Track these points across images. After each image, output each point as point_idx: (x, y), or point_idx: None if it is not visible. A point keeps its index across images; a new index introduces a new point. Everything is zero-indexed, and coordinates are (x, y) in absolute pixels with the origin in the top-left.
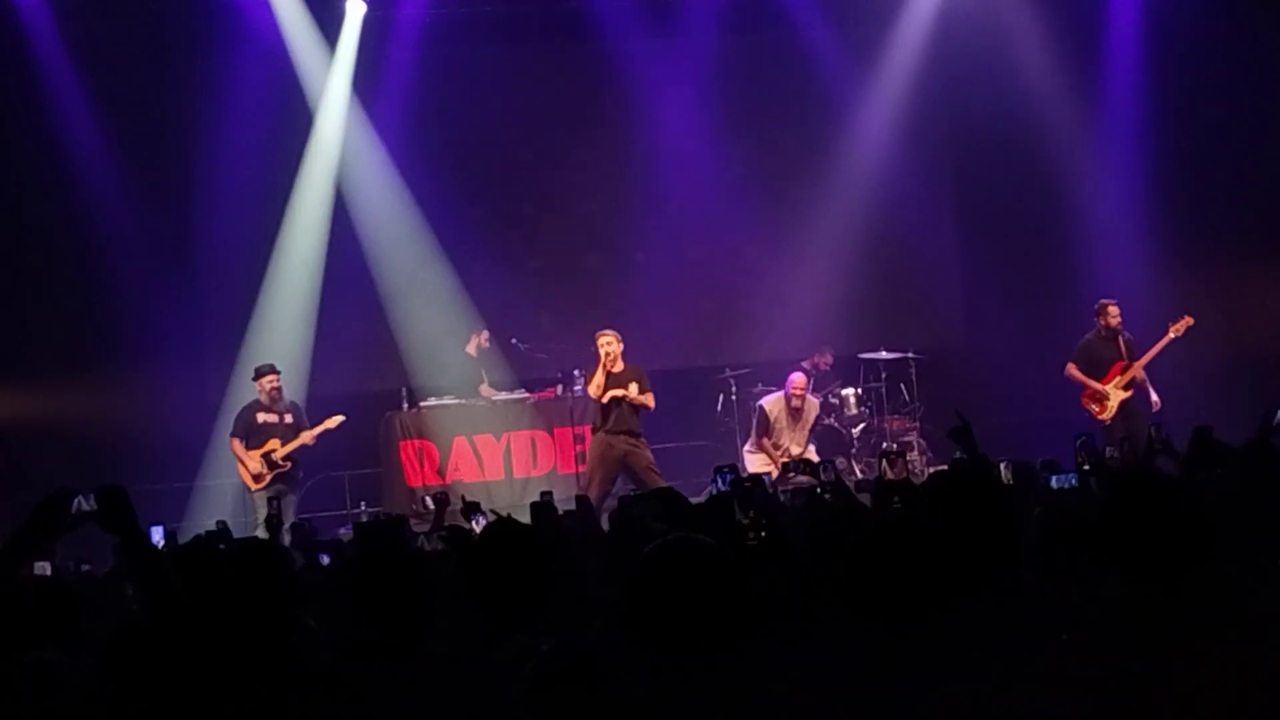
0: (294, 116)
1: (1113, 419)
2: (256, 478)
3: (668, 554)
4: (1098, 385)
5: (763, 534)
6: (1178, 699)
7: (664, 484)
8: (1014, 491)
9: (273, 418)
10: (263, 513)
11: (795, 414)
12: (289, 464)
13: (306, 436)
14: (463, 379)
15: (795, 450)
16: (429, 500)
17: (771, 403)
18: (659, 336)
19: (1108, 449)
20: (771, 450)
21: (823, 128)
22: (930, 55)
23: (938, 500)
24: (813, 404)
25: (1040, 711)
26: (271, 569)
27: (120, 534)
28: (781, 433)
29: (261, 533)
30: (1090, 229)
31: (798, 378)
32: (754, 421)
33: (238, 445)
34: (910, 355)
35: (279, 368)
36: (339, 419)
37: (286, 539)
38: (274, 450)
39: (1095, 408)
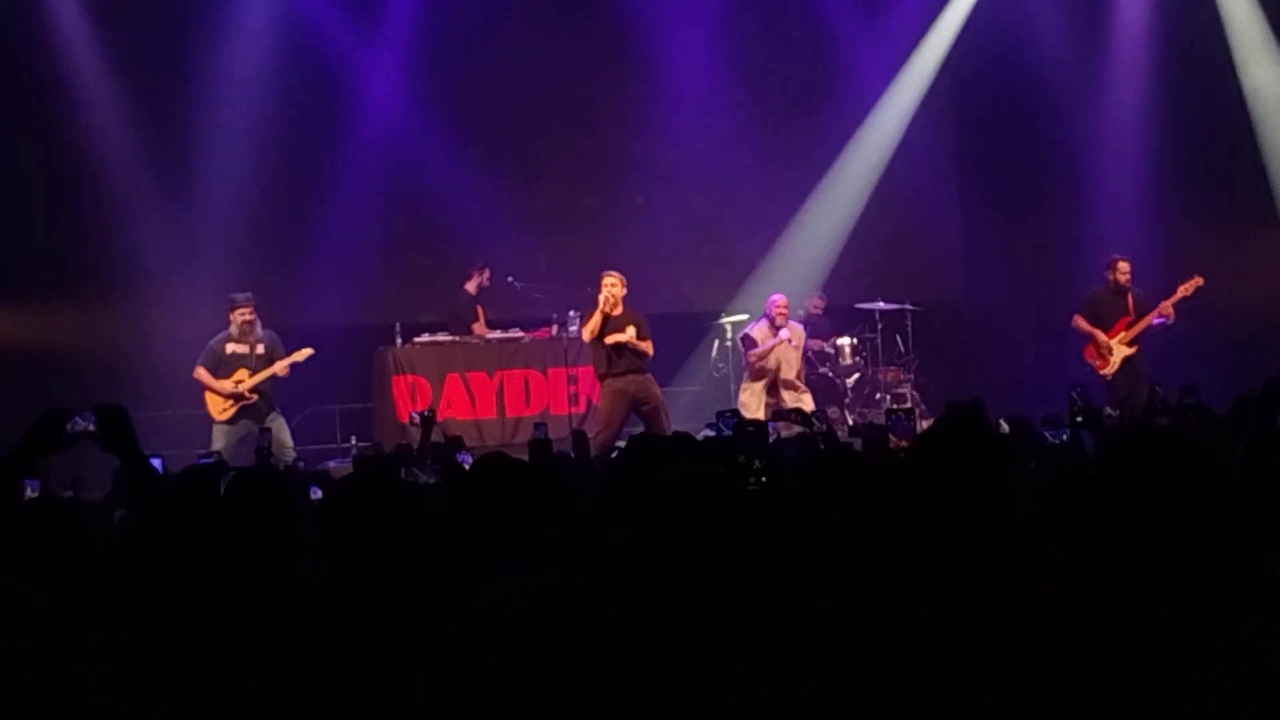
0: (295, 45)
1: (1114, 375)
2: (223, 408)
3: (685, 484)
4: (1105, 338)
5: (763, 479)
6: (1168, 654)
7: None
8: (1010, 446)
9: (243, 348)
10: (219, 444)
11: (777, 332)
12: (255, 396)
13: (278, 368)
14: (457, 315)
15: (788, 374)
16: (415, 417)
17: (758, 330)
18: (656, 280)
19: (1106, 409)
20: (764, 364)
21: (827, 75)
22: (939, 7)
23: (932, 448)
24: (798, 329)
25: (1030, 659)
26: (273, 500)
27: (120, 455)
28: (768, 354)
29: None
30: (1092, 186)
31: (778, 296)
32: (742, 351)
33: (203, 373)
34: (907, 307)
35: (254, 300)
36: (307, 351)
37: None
38: (241, 381)
39: (1098, 362)
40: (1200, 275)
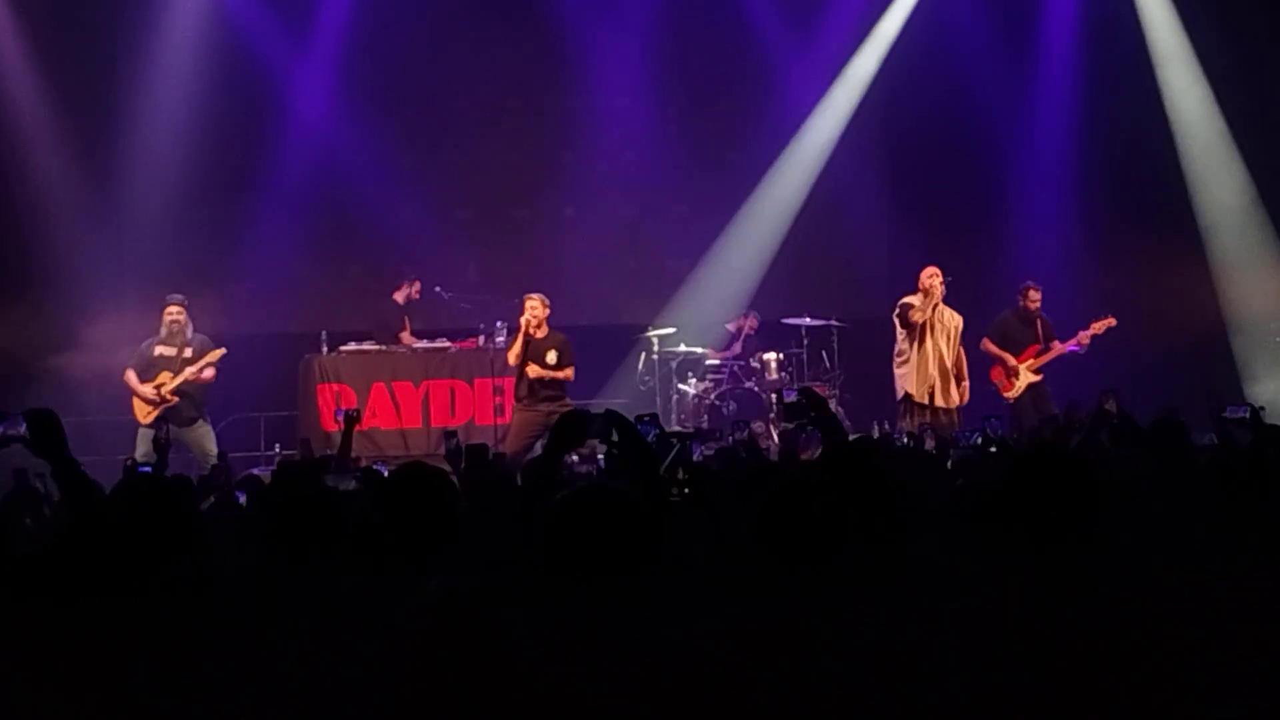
0: (226, 50)
1: (1019, 399)
2: (147, 411)
3: (583, 498)
4: (1014, 361)
5: (685, 490)
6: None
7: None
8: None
9: (170, 351)
10: (142, 449)
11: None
12: (176, 398)
13: (190, 372)
14: (385, 325)
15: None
16: (340, 419)
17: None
18: (584, 292)
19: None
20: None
21: (758, 92)
22: (869, 29)
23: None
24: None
25: (935, 673)
26: (166, 506)
27: (51, 459)
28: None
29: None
30: (1019, 204)
31: (933, 267)
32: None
33: (130, 376)
34: (833, 323)
35: (185, 302)
36: (220, 352)
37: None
38: (163, 384)
39: (1003, 383)
40: (1114, 316)
